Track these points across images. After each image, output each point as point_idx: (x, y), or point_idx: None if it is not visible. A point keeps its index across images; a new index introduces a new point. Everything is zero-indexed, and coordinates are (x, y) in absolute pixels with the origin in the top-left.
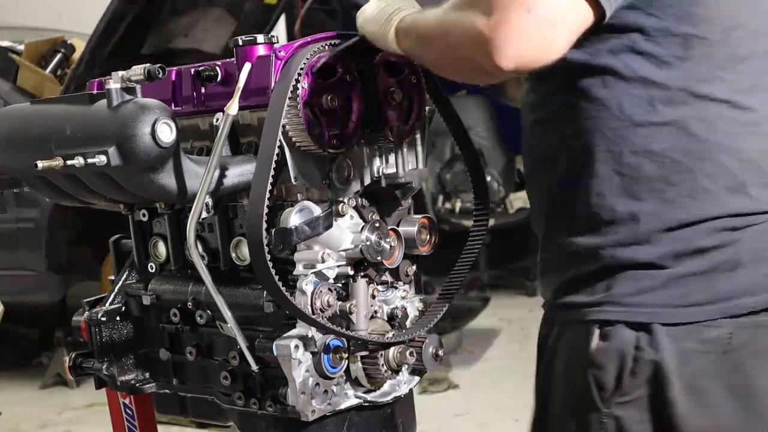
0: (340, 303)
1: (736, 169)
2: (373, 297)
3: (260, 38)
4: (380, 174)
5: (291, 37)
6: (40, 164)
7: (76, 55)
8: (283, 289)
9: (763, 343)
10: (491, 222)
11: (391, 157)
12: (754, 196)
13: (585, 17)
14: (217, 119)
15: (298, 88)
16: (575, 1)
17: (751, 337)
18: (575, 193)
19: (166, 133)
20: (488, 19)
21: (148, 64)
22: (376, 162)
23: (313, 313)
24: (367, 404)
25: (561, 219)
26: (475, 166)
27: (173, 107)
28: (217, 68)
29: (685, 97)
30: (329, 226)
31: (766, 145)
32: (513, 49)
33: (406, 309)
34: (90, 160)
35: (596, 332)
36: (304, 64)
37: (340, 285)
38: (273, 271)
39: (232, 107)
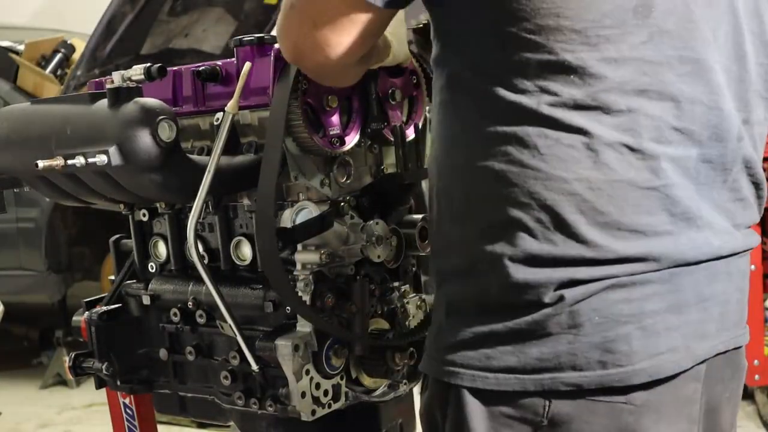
0: (340, 303)
1: (559, 204)
2: (373, 297)
3: (261, 38)
4: (380, 174)
5: None
6: (41, 164)
7: (76, 55)
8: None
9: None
10: None
11: (391, 157)
12: (589, 240)
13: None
14: (218, 119)
15: (298, 88)
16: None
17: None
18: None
19: (167, 133)
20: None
21: (148, 64)
22: (376, 162)
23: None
24: (367, 404)
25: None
26: None
27: (174, 107)
28: (218, 68)
29: (508, 112)
30: (329, 226)
31: (601, 175)
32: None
33: (406, 309)
34: (90, 160)
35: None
36: None
37: (340, 285)
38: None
39: (233, 106)
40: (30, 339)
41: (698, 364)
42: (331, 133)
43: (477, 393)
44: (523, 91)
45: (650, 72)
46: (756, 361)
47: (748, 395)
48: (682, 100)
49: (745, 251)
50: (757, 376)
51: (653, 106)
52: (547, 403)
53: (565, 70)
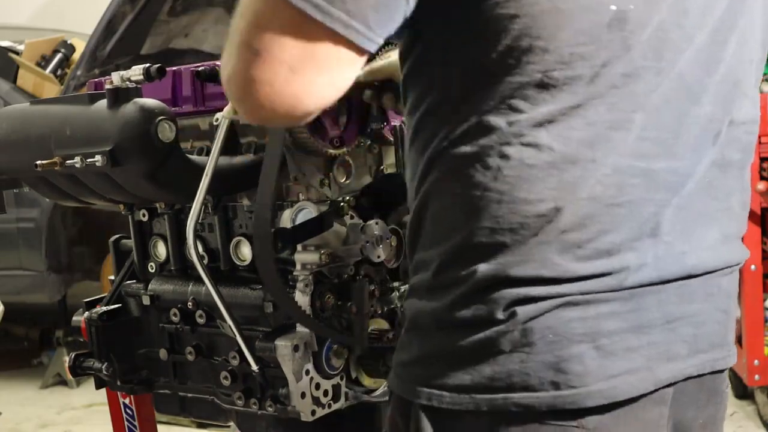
0: (340, 303)
1: (522, 227)
2: (373, 297)
3: None
4: (380, 174)
5: None
6: (40, 164)
7: (76, 55)
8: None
9: None
10: None
11: (391, 157)
12: (547, 260)
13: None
14: (217, 119)
15: None
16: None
17: None
18: None
19: (166, 134)
20: None
21: (147, 64)
22: (376, 162)
23: (314, 313)
24: (367, 404)
25: None
26: None
27: (173, 107)
28: (217, 68)
29: (472, 133)
30: (329, 226)
31: (565, 194)
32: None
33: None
34: (89, 160)
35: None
36: None
37: (340, 285)
38: (277, 274)
39: (229, 111)
40: (30, 339)
41: (664, 387)
42: (331, 133)
43: (434, 411)
44: (489, 111)
45: (620, 84)
46: (756, 361)
47: (748, 395)
48: (652, 110)
49: (728, 268)
50: (757, 376)
51: (622, 117)
52: (499, 427)
53: (537, 88)
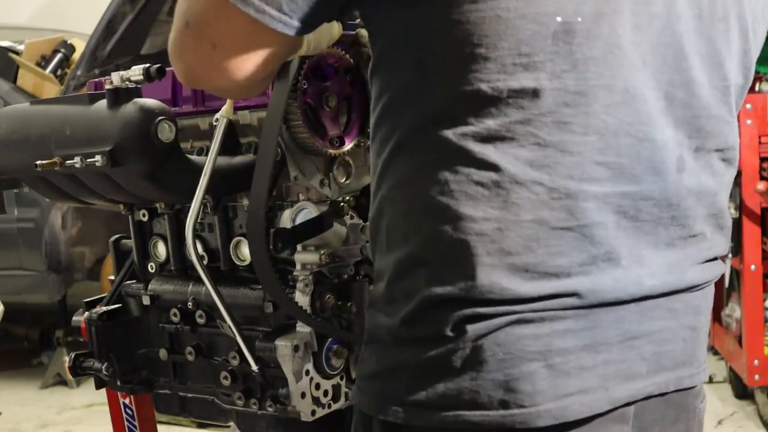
0: (340, 303)
1: (465, 244)
2: None
3: None
4: None
5: None
6: (40, 164)
7: (76, 55)
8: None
9: None
10: None
11: None
12: (493, 282)
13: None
14: (216, 119)
15: (297, 88)
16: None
17: None
18: None
19: (166, 134)
20: None
21: (147, 64)
22: None
23: (314, 313)
24: None
25: None
26: None
27: (173, 107)
28: None
29: (423, 145)
30: (329, 226)
31: (510, 215)
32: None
33: None
34: (89, 161)
35: None
36: (304, 63)
37: (340, 285)
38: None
39: (227, 111)
40: (30, 339)
41: (622, 406)
42: (331, 133)
43: (392, 427)
44: (438, 120)
45: (572, 102)
46: (756, 361)
47: (748, 395)
48: (607, 132)
49: (695, 287)
50: (757, 376)
51: (575, 139)
52: None
53: (480, 100)
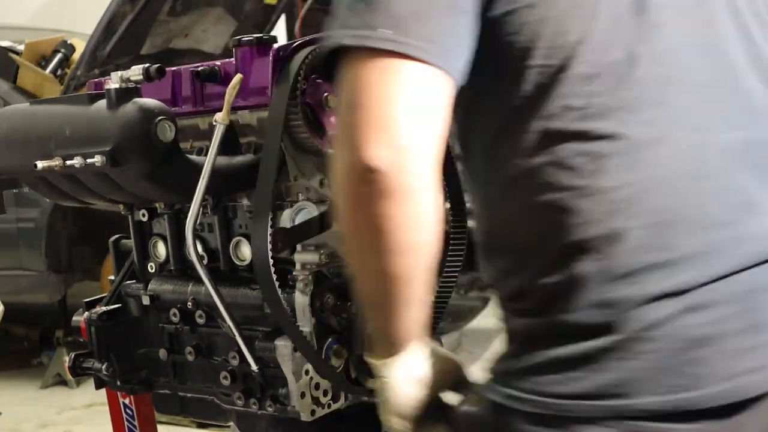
0: (340, 303)
1: (614, 216)
2: None
3: (260, 38)
4: None
5: (291, 37)
6: (40, 164)
7: (76, 55)
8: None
9: None
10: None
11: None
12: (652, 244)
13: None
14: (216, 120)
15: (298, 88)
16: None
17: None
18: None
19: (166, 134)
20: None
21: (147, 64)
22: None
23: (314, 313)
24: (366, 404)
25: None
26: (448, 166)
27: (173, 107)
28: (217, 68)
29: (535, 144)
30: (329, 226)
31: (645, 174)
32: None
33: None
34: (89, 161)
35: None
36: (304, 63)
37: (340, 285)
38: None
39: (224, 118)
40: (30, 339)
41: None
42: (331, 133)
43: (540, 419)
44: (548, 117)
45: (668, 62)
46: None
47: None
48: (705, 85)
49: None
50: None
51: (680, 95)
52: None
53: (585, 80)
